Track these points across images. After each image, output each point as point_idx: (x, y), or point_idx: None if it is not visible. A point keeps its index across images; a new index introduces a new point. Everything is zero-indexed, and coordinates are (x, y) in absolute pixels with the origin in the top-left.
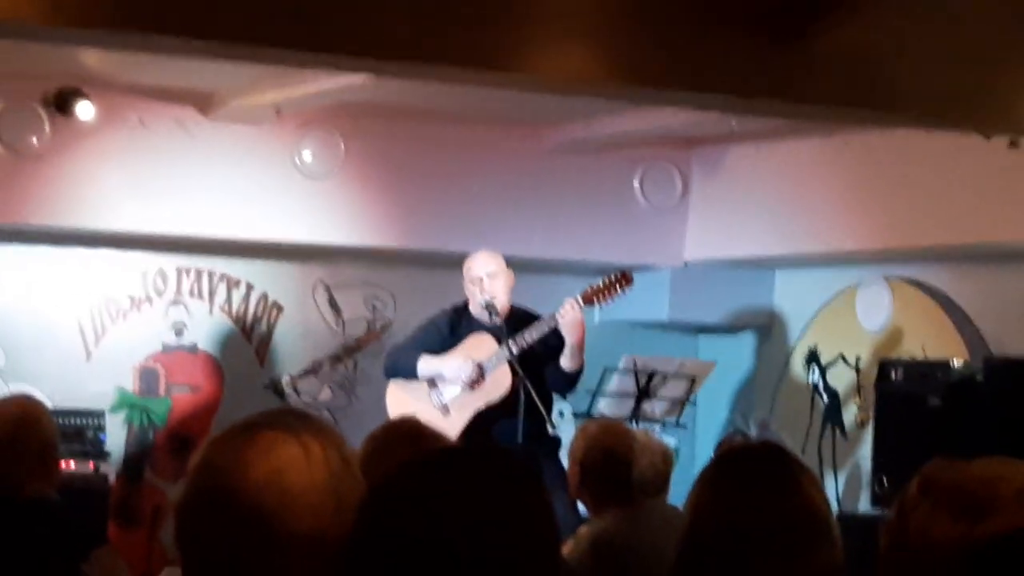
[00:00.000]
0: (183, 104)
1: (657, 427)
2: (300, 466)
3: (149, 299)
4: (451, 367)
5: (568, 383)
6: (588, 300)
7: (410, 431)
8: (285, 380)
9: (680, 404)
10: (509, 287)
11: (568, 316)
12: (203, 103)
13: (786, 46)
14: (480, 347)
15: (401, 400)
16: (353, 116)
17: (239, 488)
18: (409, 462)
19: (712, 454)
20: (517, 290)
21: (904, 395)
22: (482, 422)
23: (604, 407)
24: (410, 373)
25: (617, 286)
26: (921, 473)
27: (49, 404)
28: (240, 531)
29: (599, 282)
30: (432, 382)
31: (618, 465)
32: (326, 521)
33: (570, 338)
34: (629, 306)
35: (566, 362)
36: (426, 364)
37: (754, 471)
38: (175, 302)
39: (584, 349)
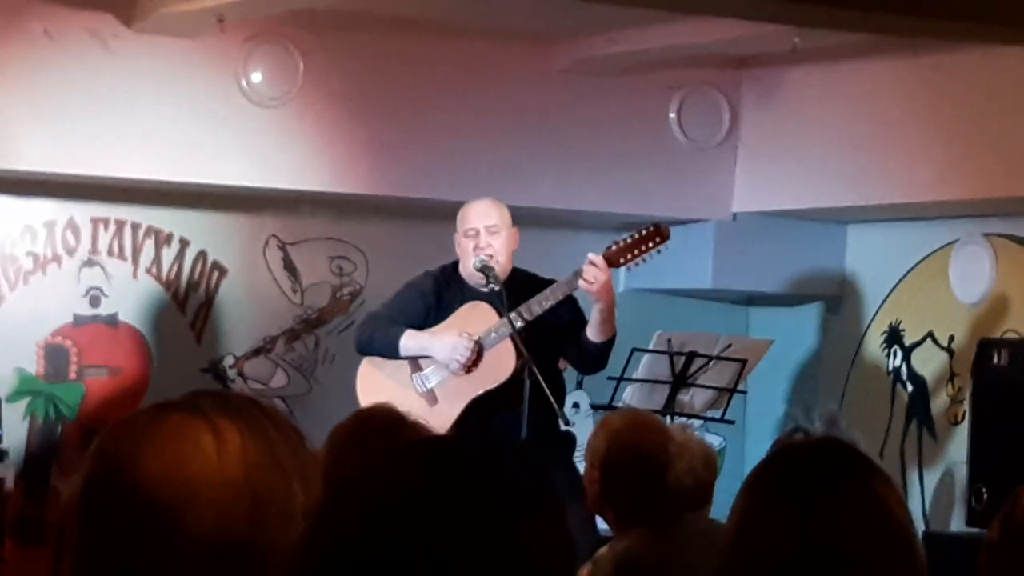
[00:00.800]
0: (100, 10)
1: (698, 423)
2: (207, 456)
3: (57, 258)
4: (443, 346)
5: (595, 360)
6: (612, 260)
7: (386, 422)
8: (228, 361)
9: (727, 394)
10: (512, 247)
11: (592, 276)
12: (125, 9)
13: None
14: (476, 319)
15: (377, 384)
16: (314, 27)
17: (134, 479)
18: (377, 458)
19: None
20: (522, 249)
21: (1010, 384)
22: (478, 413)
23: (631, 397)
24: (391, 350)
25: (648, 243)
26: None
27: None
28: (134, 529)
29: (626, 238)
30: (416, 363)
31: (649, 470)
32: (238, 521)
33: (598, 302)
34: (664, 270)
35: (592, 332)
36: (412, 339)
37: (815, 475)
38: (89, 262)
39: (614, 314)
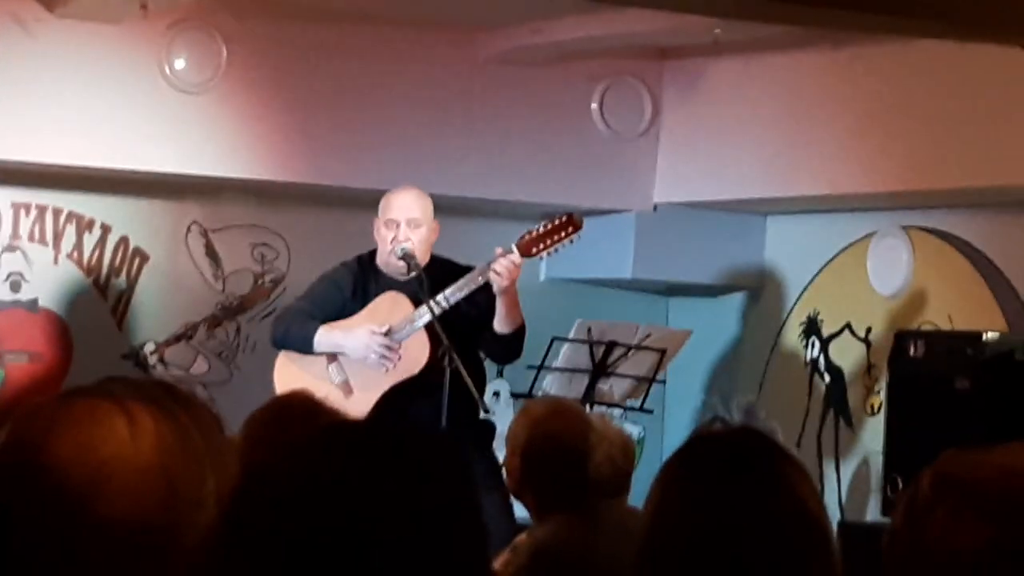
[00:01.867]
0: None
1: (617, 412)
2: (120, 440)
3: None
4: (355, 343)
5: (506, 350)
6: (525, 250)
7: (303, 408)
8: (149, 348)
9: (646, 383)
10: (431, 241)
11: (501, 267)
12: None
13: None
14: (393, 310)
15: (292, 375)
16: (238, 13)
17: (45, 464)
18: (293, 441)
19: None
20: (443, 238)
21: (925, 375)
22: (395, 403)
23: (551, 386)
24: (305, 346)
25: (561, 232)
26: (934, 468)
27: None
28: (45, 515)
29: (538, 228)
30: (332, 354)
31: (569, 458)
32: (152, 507)
33: (501, 293)
34: (585, 259)
35: (499, 324)
36: (325, 336)
37: (729, 464)
38: (9, 247)
39: (518, 304)
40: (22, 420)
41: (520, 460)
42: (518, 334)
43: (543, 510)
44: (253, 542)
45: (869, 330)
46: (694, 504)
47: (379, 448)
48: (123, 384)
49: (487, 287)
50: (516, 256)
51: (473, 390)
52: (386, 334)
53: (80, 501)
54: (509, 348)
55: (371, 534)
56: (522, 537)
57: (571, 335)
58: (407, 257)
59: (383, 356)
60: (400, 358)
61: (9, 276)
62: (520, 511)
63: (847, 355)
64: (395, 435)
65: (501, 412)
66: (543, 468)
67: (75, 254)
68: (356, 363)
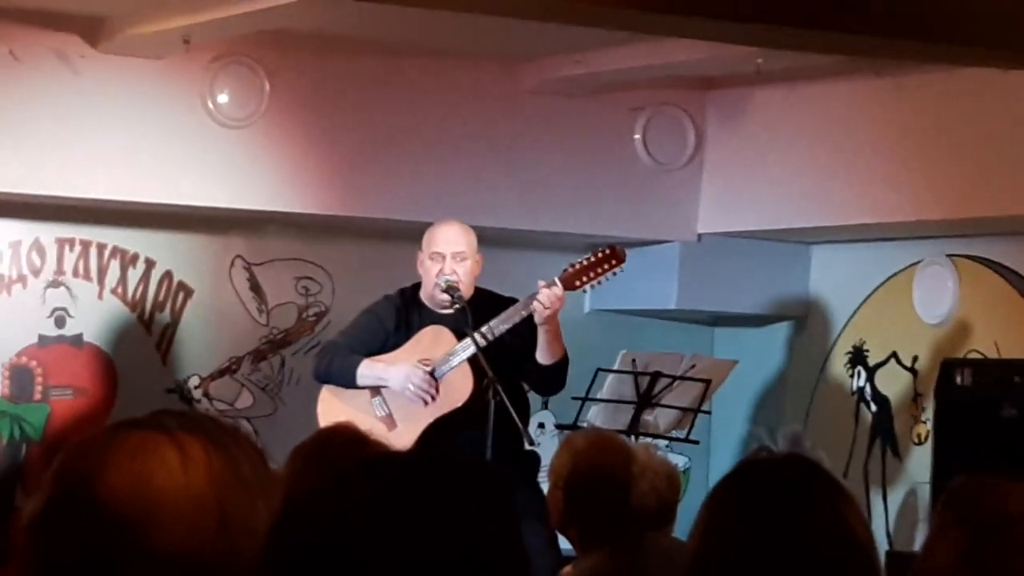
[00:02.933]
0: (67, 31)
1: (662, 443)
2: (173, 471)
3: (22, 279)
4: (397, 375)
5: (549, 381)
6: (569, 283)
7: (348, 440)
8: (194, 382)
9: (691, 414)
10: (475, 275)
11: (546, 298)
12: (92, 31)
13: None
14: (436, 343)
15: (336, 409)
16: (281, 48)
17: (98, 496)
18: (335, 471)
19: None
20: (487, 269)
21: (973, 403)
22: (439, 435)
23: (595, 417)
24: (348, 379)
25: (604, 264)
26: (944, 492)
27: None
28: (98, 547)
29: (581, 261)
30: (375, 388)
31: (612, 489)
32: (206, 537)
33: (542, 324)
34: (629, 290)
35: (541, 355)
36: (368, 369)
37: (777, 492)
38: (55, 283)
39: (560, 336)
40: (72, 452)
41: (563, 493)
42: (561, 365)
43: (587, 543)
44: (294, 572)
45: (915, 359)
46: (740, 533)
47: (421, 478)
48: (174, 416)
49: (530, 319)
50: (559, 289)
51: (517, 421)
52: (431, 371)
53: (134, 532)
54: (552, 379)
55: (411, 565)
56: (567, 569)
57: (616, 366)
58: (451, 290)
59: (421, 389)
60: (438, 392)
61: (54, 312)
62: (565, 544)
63: (893, 384)
64: (437, 465)
65: (546, 443)
66: (586, 500)
67: (119, 289)
68: (399, 396)
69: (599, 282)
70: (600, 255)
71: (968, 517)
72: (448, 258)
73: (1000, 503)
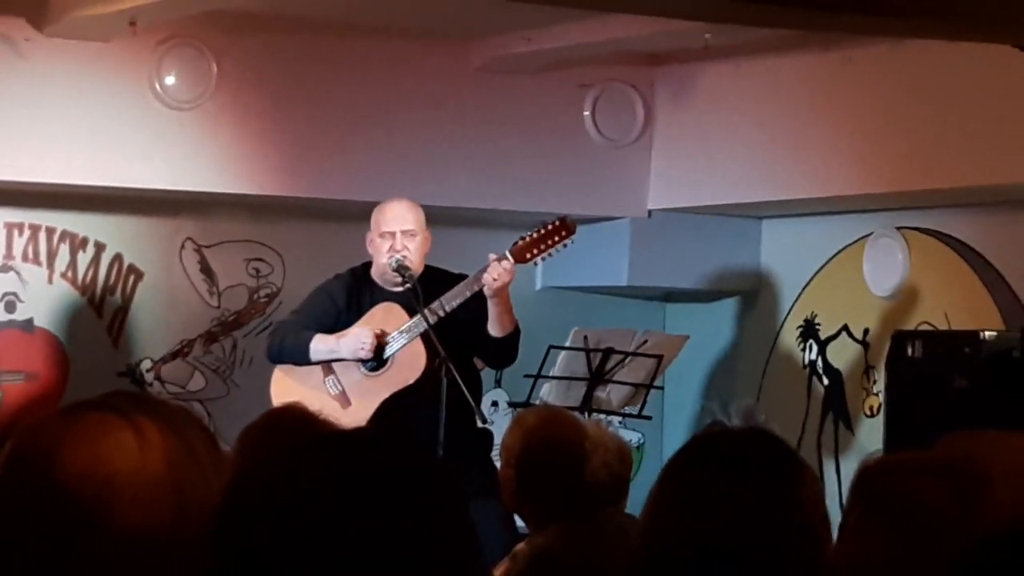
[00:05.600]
0: (11, 15)
1: (616, 419)
2: (130, 453)
3: None
4: (347, 342)
5: (501, 354)
6: (519, 255)
7: (297, 420)
8: (146, 365)
9: (644, 390)
10: (425, 251)
11: (497, 273)
12: (36, 13)
13: None
14: (387, 320)
15: (289, 389)
16: (228, 29)
17: (55, 478)
18: (278, 452)
19: None
20: (436, 247)
21: (924, 375)
22: (392, 413)
23: (548, 394)
24: (301, 356)
25: (555, 236)
26: (856, 472)
27: None
28: (55, 529)
29: (531, 233)
30: (328, 367)
31: (564, 466)
32: (163, 518)
33: (492, 296)
34: (580, 267)
35: (492, 327)
36: (320, 343)
37: (734, 462)
38: (4, 268)
39: (511, 308)
40: (26, 436)
41: (515, 471)
42: (513, 338)
43: (541, 520)
44: (237, 552)
45: (866, 331)
46: (696, 501)
47: (363, 456)
48: (127, 398)
49: (481, 293)
50: (508, 263)
51: (470, 399)
52: (380, 337)
53: (92, 514)
54: (504, 352)
55: (352, 543)
56: (521, 546)
57: (568, 343)
58: (402, 269)
59: (371, 348)
60: (392, 366)
61: (4, 296)
62: (519, 520)
63: (845, 357)
64: (380, 443)
65: (499, 421)
66: (538, 477)
67: (69, 273)
68: (352, 374)
69: (550, 254)
70: (550, 227)
71: (884, 507)
72: (398, 235)
73: (915, 493)
